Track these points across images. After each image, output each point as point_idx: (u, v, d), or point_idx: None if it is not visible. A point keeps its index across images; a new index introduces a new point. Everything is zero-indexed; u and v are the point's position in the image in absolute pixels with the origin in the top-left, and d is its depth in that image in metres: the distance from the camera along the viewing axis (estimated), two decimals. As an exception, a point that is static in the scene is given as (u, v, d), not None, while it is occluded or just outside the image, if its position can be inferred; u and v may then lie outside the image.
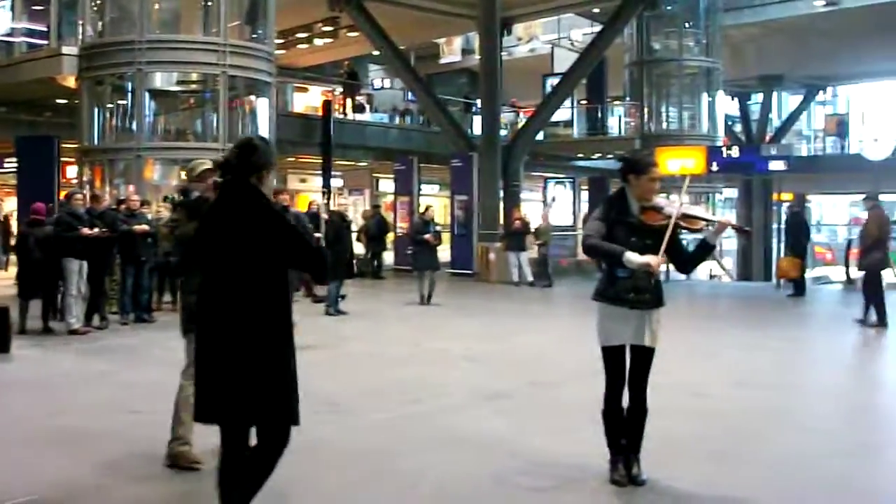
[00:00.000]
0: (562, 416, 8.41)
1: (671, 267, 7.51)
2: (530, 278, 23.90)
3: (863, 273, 15.48)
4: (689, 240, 7.16)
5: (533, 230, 24.46)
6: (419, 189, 30.06)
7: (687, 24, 32.21)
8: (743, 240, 32.46)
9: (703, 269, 30.35)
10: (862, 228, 15.63)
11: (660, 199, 6.14)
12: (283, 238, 4.72)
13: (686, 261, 6.33)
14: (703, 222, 6.17)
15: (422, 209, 20.38)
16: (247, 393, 4.60)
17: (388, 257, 28.30)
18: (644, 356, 6.11)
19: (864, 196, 16.23)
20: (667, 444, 7.07)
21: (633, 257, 5.81)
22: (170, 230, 6.16)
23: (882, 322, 14.95)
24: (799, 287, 20.48)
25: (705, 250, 6.18)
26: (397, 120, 36.64)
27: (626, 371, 6.15)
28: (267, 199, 4.83)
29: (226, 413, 4.68)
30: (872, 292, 15.12)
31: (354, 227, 23.96)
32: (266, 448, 4.73)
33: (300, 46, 38.45)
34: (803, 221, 21.37)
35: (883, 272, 15.26)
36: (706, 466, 6.79)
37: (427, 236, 18.69)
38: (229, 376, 4.60)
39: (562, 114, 34.46)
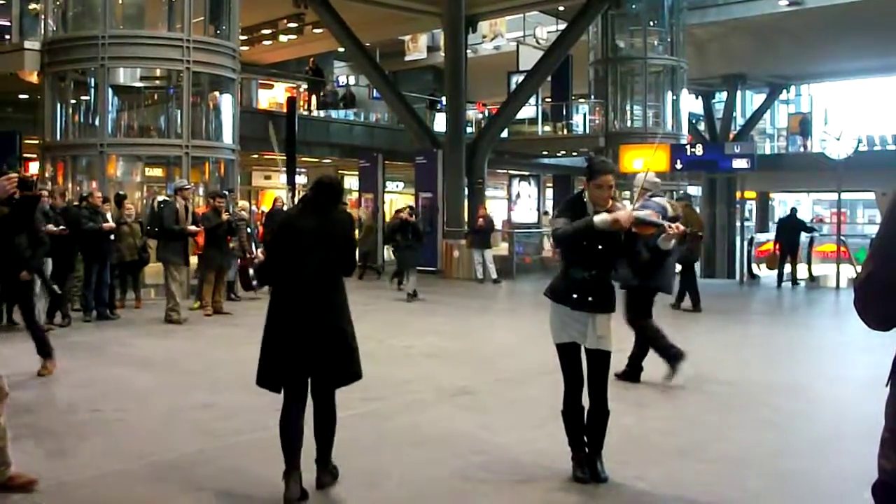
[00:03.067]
0: (525, 413, 8.44)
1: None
2: (494, 276, 24.02)
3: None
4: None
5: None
6: (384, 186, 30.04)
7: (651, 23, 32.20)
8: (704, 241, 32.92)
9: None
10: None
11: (617, 204, 6.16)
12: (348, 241, 6.08)
13: (642, 264, 6.34)
14: (655, 228, 6.23)
15: (404, 208, 20.81)
16: (333, 357, 5.77)
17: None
18: (598, 359, 6.12)
19: (679, 196, 17.52)
20: (630, 440, 7.12)
21: (603, 217, 5.83)
22: None
23: (697, 307, 17.65)
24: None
25: (660, 255, 6.22)
26: (332, 113, 36.30)
27: (583, 370, 6.17)
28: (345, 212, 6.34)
29: (313, 373, 5.82)
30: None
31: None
32: (330, 403, 5.96)
33: (265, 43, 38.20)
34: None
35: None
36: (669, 463, 6.83)
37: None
38: (321, 344, 5.70)
39: (527, 111, 34.54)
